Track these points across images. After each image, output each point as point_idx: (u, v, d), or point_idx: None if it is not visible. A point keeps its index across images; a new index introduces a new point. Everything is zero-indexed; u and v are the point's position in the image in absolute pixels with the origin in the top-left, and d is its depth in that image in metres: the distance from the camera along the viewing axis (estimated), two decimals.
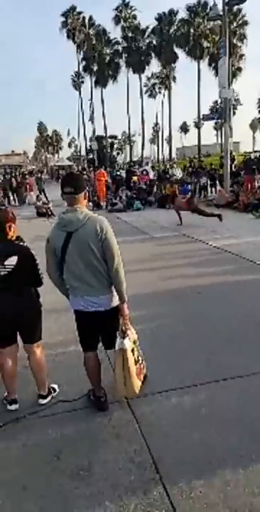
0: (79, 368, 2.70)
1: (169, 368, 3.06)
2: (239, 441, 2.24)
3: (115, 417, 2.54)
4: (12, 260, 2.47)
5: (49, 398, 2.73)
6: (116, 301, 2.45)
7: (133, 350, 2.51)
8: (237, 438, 2.26)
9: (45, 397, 2.72)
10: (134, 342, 2.57)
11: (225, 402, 2.61)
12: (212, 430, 2.34)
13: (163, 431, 2.38)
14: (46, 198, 16.35)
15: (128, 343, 2.46)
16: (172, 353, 3.32)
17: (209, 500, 1.88)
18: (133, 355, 2.51)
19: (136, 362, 2.55)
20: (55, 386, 2.84)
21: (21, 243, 2.58)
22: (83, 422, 2.52)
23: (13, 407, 2.67)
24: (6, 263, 2.46)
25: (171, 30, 39.76)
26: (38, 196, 15.49)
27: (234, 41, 34.72)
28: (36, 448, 2.34)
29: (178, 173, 17.80)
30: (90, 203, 14.17)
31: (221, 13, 13.37)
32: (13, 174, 21.04)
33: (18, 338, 2.69)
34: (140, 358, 2.63)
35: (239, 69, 37.46)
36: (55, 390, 2.81)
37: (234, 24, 34.96)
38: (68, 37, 42.15)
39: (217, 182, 15.70)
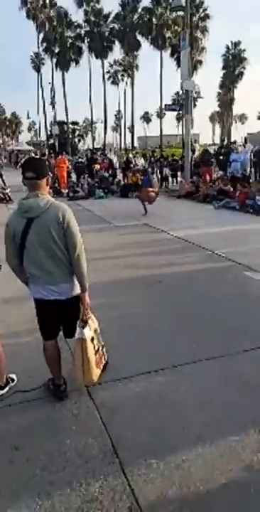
0: (39, 357, 2.65)
1: (129, 355, 3.11)
2: (194, 424, 2.34)
3: (74, 405, 2.54)
4: None
5: (7, 389, 2.66)
6: (77, 290, 2.43)
7: (92, 340, 2.51)
8: (193, 421, 2.37)
9: (2, 388, 2.64)
10: (95, 331, 2.57)
11: (182, 387, 2.71)
12: (169, 414, 2.42)
13: (122, 417, 2.42)
14: (4, 183, 15.58)
15: (87, 333, 2.45)
16: (132, 341, 3.37)
17: (167, 481, 1.95)
18: (93, 344, 2.51)
19: (96, 351, 2.55)
20: (13, 376, 2.77)
21: None
22: (42, 412, 2.49)
23: None
24: None
25: (135, 18, 39.28)
26: None
27: (196, 34, 35.20)
28: None
29: (141, 163, 17.86)
30: (51, 190, 13.75)
31: (183, 4, 13.46)
32: None
33: None
34: (100, 347, 2.63)
35: (200, 62, 38.12)
36: (13, 380, 2.74)
37: (196, 17, 35.38)
38: (28, 16, 39.95)
39: (179, 173, 16.02)
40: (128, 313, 3.94)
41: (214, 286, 4.70)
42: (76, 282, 2.41)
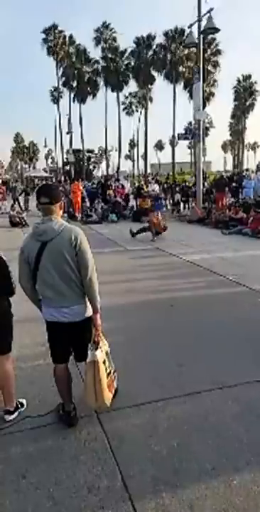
0: (49, 381, 2.62)
1: (139, 381, 3.04)
2: (208, 454, 2.24)
3: (84, 433, 2.47)
4: None
5: (16, 414, 2.62)
6: (89, 312, 2.43)
7: (104, 362, 2.48)
8: (207, 452, 2.26)
9: (11, 413, 2.60)
10: (106, 353, 2.54)
11: (196, 415, 2.61)
12: (181, 445, 2.33)
13: (132, 447, 2.33)
14: (20, 207, 16.06)
15: (99, 355, 2.42)
16: (144, 366, 3.30)
17: None
18: (105, 366, 2.48)
19: (108, 374, 2.51)
20: (23, 401, 2.73)
21: None
22: (51, 439, 2.43)
23: None
24: None
25: (149, 54, 41.12)
26: (12, 206, 15.17)
27: (208, 68, 36.47)
28: (0, 467, 2.21)
29: (156, 189, 18.15)
30: (65, 214, 14.07)
31: (196, 41, 14.05)
32: None
33: None
34: (111, 370, 2.59)
35: (212, 93, 39.25)
36: (22, 405, 2.70)
37: (209, 52, 36.78)
38: (48, 53, 42.49)
39: (190, 199, 16.17)
40: (138, 338, 3.88)
41: (226, 311, 4.61)
42: (88, 304, 2.41)
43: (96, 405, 2.50)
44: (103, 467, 2.17)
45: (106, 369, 2.47)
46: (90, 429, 2.49)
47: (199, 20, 13.46)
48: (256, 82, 48.28)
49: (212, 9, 12.84)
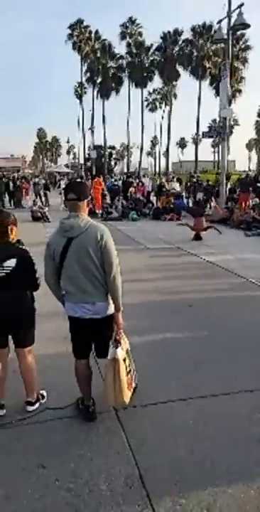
0: (70, 375, 2.67)
1: (160, 380, 3.04)
2: (228, 456, 2.22)
3: (103, 428, 2.50)
4: (11, 262, 2.45)
5: (37, 405, 2.68)
6: (111, 310, 2.44)
7: (125, 360, 2.49)
8: (227, 454, 2.24)
9: (32, 404, 2.66)
10: (127, 352, 2.56)
11: (215, 417, 2.59)
12: (201, 445, 2.32)
13: (151, 444, 2.34)
14: (42, 202, 16.35)
15: (120, 353, 2.44)
16: (163, 365, 3.29)
17: None
18: (125, 365, 2.49)
19: (128, 372, 2.53)
20: (44, 393, 2.79)
21: (21, 246, 2.57)
22: (70, 432, 2.48)
23: (0, 412, 2.61)
24: (5, 264, 2.45)
25: (175, 50, 40.60)
26: (34, 201, 15.48)
27: (236, 64, 35.61)
28: (21, 456, 2.27)
29: (177, 187, 17.98)
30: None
31: (225, 36, 13.75)
32: (11, 177, 20.99)
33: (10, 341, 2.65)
34: (131, 368, 2.61)
35: (239, 91, 38.33)
36: (43, 397, 2.76)
37: (237, 48, 35.91)
38: (74, 48, 42.72)
39: (213, 198, 15.91)
40: (156, 337, 3.87)
41: (247, 314, 4.51)
42: (110, 302, 2.43)
43: (115, 402, 2.52)
44: (121, 463, 2.20)
45: (126, 367, 2.48)
46: (109, 425, 2.52)
47: (229, 16, 13.16)
48: None
49: (242, 4, 12.51)
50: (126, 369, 2.48)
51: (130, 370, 2.55)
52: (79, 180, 17.88)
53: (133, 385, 2.64)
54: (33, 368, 2.67)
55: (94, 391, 2.62)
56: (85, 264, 2.32)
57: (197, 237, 9.43)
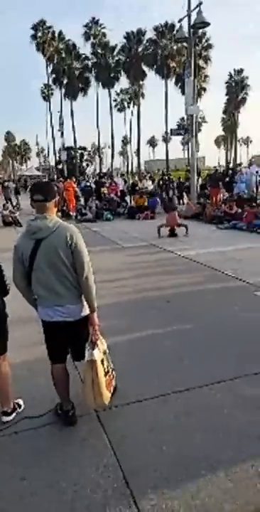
0: (47, 381, 2.60)
1: (138, 378, 3.02)
2: (209, 448, 2.23)
3: (84, 431, 2.45)
4: None
5: (13, 415, 2.58)
6: (85, 311, 2.40)
7: (102, 361, 2.46)
8: (208, 445, 2.26)
9: (9, 414, 2.57)
10: (104, 352, 2.52)
11: (195, 410, 2.61)
12: (182, 440, 2.32)
13: (132, 444, 2.32)
14: (13, 207, 15.93)
15: (97, 354, 2.40)
16: (142, 363, 3.28)
17: None
18: (103, 366, 2.46)
19: (106, 373, 2.49)
20: (20, 401, 2.70)
21: None
22: (50, 439, 2.41)
23: None
24: None
25: (139, 49, 40.88)
26: (4, 205, 15.04)
27: (199, 63, 36.39)
28: (0, 469, 2.19)
29: (149, 186, 18.10)
30: (59, 213, 13.98)
31: (186, 35, 13.99)
32: None
33: None
34: (110, 368, 2.57)
35: (204, 89, 39.20)
36: (20, 406, 2.67)
37: (199, 46, 36.70)
38: (38, 49, 42.00)
39: (184, 194, 16.17)
40: (135, 335, 3.86)
41: (224, 306, 4.61)
42: (84, 303, 2.39)
43: (94, 404, 2.48)
44: (104, 465, 2.16)
45: (104, 368, 2.45)
46: (90, 428, 2.48)
47: (189, 15, 13.40)
48: (247, 77, 48.33)
49: (201, 3, 12.77)
50: (104, 370, 2.45)
51: (108, 371, 2.52)
52: (45, 180, 17.52)
53: (113, 385, 2.61)
54: (7, 377, 2.58)
55: (73, 394, 2.57)
56: (56, 266, 2.25)
57: (172, 233, 9.52)
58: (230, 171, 16.70)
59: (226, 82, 49.07)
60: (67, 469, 2.15)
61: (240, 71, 48.59)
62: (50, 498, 1.97)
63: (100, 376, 2.38)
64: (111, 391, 2.57)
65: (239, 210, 11.12)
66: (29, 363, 3.27)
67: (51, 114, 45.13)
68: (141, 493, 1.96)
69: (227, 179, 15.43)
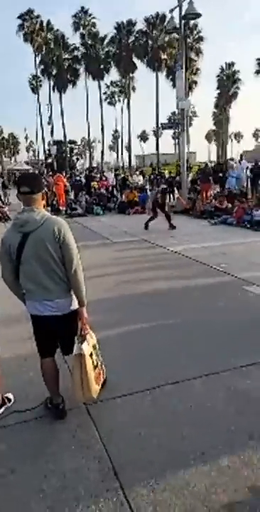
0: (36, 375, 2.59)
1: (128, 372, 3.04)
2: (197, 441, 2.27)
3: (73, 425, 2.46)
4: None
5: (3, 409, 2.58)
6: (74, 305, 2.40)
7: (91, 355, 2.46)
8: (196, 438, 2.30)
9: None
10: (93, 346, 2.53)
11: (184, 403, 2.64)
12: (170, 433, 2.35)
13: (122, 436, 2.34)
14: (2, 201, 15.70)
15: (86, 348, 2.41)
16: (130, 357, 3.30)
17: (170, 504, 1.87)
18: (92, 359, 2.47)
19: (95, 367, 2.50)
20: (10, 396, 2.69)
21: None
22: (40, 432, 2.42)
23: None
24: None
25: (130, 40, 40.49)
26: None
27: (191, 55, 36.27)
28: None
29: (141, 180, 18.09)
30: (49, 207, 13.85)
31: (178, 26, 13.90)
32: None
33: None
34: (99, 362, 2.58)
35: (195, 82, 39.16)
36: (9, 400, 2.66)
37: (191, 39, 36.55)
38: (25, 40, 41.14)
39: (175, 189, 16.20)
40: (125, 330, 3.88)
41: (213, 300, 4.66)
42: (73, 297, 2.38)
43: (83, 398, 2.49)
44: (93, 458, 2.18)
45: (93, 362, 2.46)
46: (79, 421, 2.49)
47: (180, 5, 13.28)
48: (239, 71, 48.36)
49: None
50: (93, 363, 2.46)
51: (97, 365, 2.53)
52: (32, 172, 17.28)
53: (102, 379, 2.62)
54: None
55: (63, 388, 2.57)
56: (44, 259, 2.24)
57: (173, 226, 9.58)
58: (223, 166, 16.75)
59: (218, 76, 49.03)
60: (57, 462, 2.16)
61: (231, 64, 48.56)
62: (39, 489, 1.98)
63: (89, 370, 2.39)
64: (100, 385, 2.58)
65: (230, 205, 11.22)
66: (19, 357, 3.26)
67: (40, 107, 44.47)
68: (131, 485, 1.98)
69: (221, 174, 15.49)
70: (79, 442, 2.31)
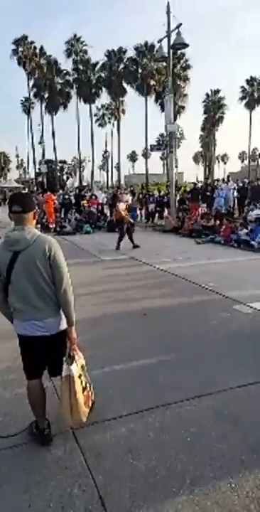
0: (22, 398, 2.51)
1: (115, 394, 2.97)
2: (186, 467, 2.21)
3: (59, 451, 2.36)
4: None
5: None
6: (63, 325, 2.35)
7: (80, 376, 2.41)
8: (185, 464, 2.23)
9: None
10: (82, 367, 2.47)
11: (171, 427, 2.57)
12: (159, 458, 2.28)
13: (109, 463, 2.26)
14: None
15: (75, 369, 2.35)
16: (118, 379, 3.24)
17: None
18: (81, 381, 2.41)
19: (84, 389, 2.44)
20: None
21: None
22: (24, 459, 2.31)
23: None
24: None
25: (120, 67, 41.84)
26: None
27: (178, 82, 37.62)
28: None
29: (129, 200, 18.27)
30: (39, 225, 13.81)
31: (166, 55, 14.49)
32: None
33: None
34: (87, 384, 2.52)
35: (183, 107, 40.45)
36: None
37: (178, 67, 38.00)
38: (19, 64, 42.11)
39: (165, 209, 16.43)
40: (113, 349, 3.81)
41: (201, 319, 4.66)
42: (62, 317, 2.34)
43: (72, 421, 2.41)
44: (80, 486, 2.09)
45: (81, 383, 2.40)
46: (65, 447, 2.40)
47: (169, 36, 13.89)
48: (224, 97, 50.35)
49: (180, 24, 13.26)
50: (82, 385, 2.40)
51: (86, 386, 2.47)
52: (23, 191, 17.34)
53: (91, 401, 2.55)
54: None
55: (49, 412, 2.49)
56: (33, 278, 2.21)
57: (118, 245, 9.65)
58: (209, 187, 17.15)
59: (204, 101, 50.87)
60: (41, 491, 2.06)
61: (217, 91, 50.54)
62: None
63: (78, 392, 2.33)
64: (89, 407, 2.51)
65: (218, 222, 11.43)
66: (4, 379, 3.15)
67: (31, 128, 44.99)
68: None
69: (208, 193, 15.84)
70: (65, 470, 2.22)
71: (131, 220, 9.64)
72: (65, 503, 1.98)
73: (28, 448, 2.40)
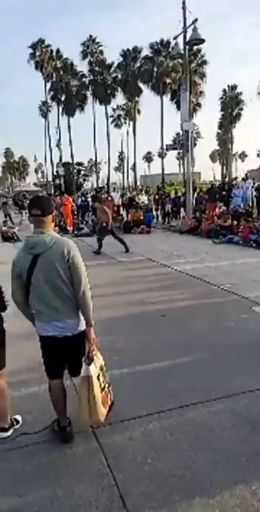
0: (44, 397, 2.60)
1: (134, 395, 3.01)
2: (206, 469, 2.22)
3: (80, 449, 2.43)
4: None
5: (11, 431, 2.57)
6: (83, 326, 2.42)
7: (98, 377, 2.45)
8: (205, 466, 2.25)
9: (6, 430, 2.55)
10: (101, 368, 2.52)
11: (191, 427, 2.59)
12: (178, 458, 2.31)
13: (129, 462, 2.30)
14: (12, 222, 16.04)
15: (93, 370, 2.40)
16: (137, 380, 3.28)
17: None
18: (99, 381, 2.45)
19: (102, 389, 2.49)
20: (18, 417, 2.69)
21: None
22: (47, 456, 2.39)
23: None
24: None
25: (135, 66, 41.88)
26: (4, 221, 15.15)
27: (194, 79, 37.26)
28: None
29: (146, 200, 18.31)
30: (57, 228, 14.07)
31: (182, 52, 14.40)
32: None
33: None
34: (106, 384, 2.57)
35: (199, 104, 40.05)
36: (18, 422, 2.66)
37: (194, 63, 37.64)
38: (36, 68, 42.93)
39: (181, 209, 16.35)
40: (133, 350, 3.86)
41: (220, 321, 4.63)
42: (81, 318, 2.41)
43: (90, 421, 2.47)
44: (100, 484, 2.15)
45: (100, 384, 2.45)
46: (86, 445, 2.47)
47: (185, 32, 13.76)
48: (241, 93, 49.36)
49: (196, 20, 12.99)
50: (100, 386, 2.45)
51: (104, 387, 2.52)
52: (42, 195, 17.68)
53: (109, 402, 2.61)
54: (4, 392, 2.58)
55: (70, 411, 2.56)
56: (53, 280, 2.29)
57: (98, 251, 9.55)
58: (226, 186, 16.90)
59: (221, 98, 50.12)
60: (63, 488, 2.13)
61: (234, 87, 49.65)
62: None
63: (96, 392, 2.38)
64: (108, 407, 2.56)
65: (235, 223, 11.26)
66: (27, 378, 3.26)
67: (49, 131, 45.78)
68: None
69: (224, 193, 15.63)
70: (85, 467, 2.28)
71: (109, 222, 9.52)
72: (87, 500, 2.04)
73: (51, 445, 2.48)
